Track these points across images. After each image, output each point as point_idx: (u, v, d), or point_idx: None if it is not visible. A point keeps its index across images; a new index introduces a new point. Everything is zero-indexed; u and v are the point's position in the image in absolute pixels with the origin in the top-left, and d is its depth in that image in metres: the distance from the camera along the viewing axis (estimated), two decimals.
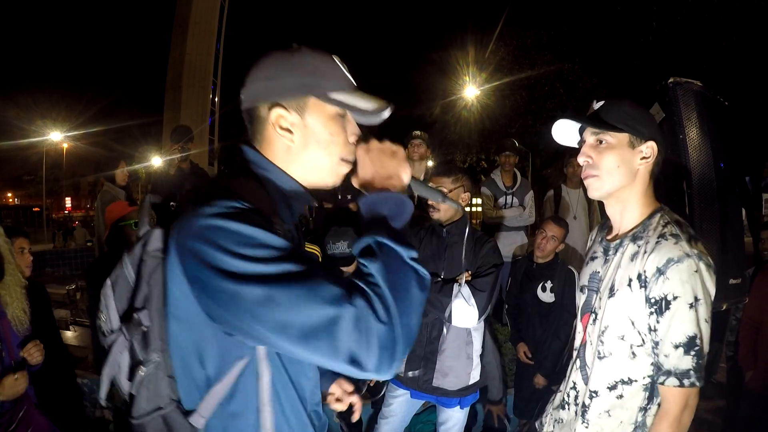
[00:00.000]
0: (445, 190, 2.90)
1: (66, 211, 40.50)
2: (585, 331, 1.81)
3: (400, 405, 3.08)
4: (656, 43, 12.00)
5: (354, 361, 0.94)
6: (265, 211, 1.08)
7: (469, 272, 2.89)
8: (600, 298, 1.74)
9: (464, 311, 2.78)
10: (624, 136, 1.66)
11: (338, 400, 1.70)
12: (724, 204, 2.29)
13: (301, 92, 1.18)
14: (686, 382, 1.54)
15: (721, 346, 4.42)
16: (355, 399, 1.72)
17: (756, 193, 15.44)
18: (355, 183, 1.25)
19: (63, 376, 3.54)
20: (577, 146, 1.80)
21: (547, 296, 3.81)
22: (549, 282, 3.82)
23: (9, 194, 46.98)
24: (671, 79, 2.36)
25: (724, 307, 2.32)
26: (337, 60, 1.23)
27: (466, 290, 2.80)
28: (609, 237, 1.82)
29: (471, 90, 18.82)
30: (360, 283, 1.00)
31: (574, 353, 1.89)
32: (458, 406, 3.00)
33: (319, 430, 1.31)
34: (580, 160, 1.73)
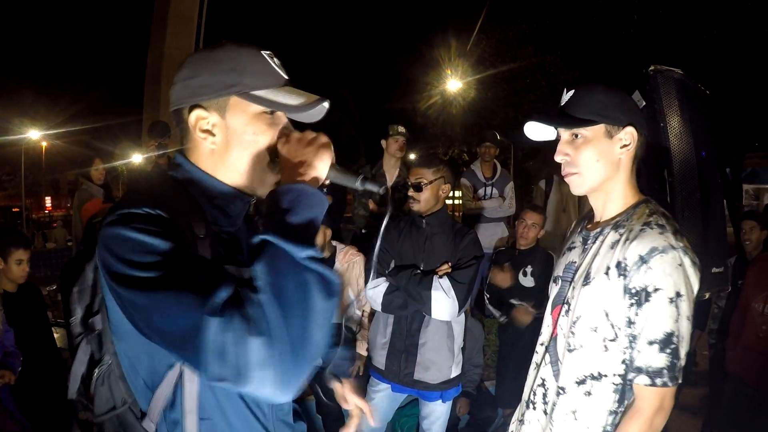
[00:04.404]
0: (425, 181, 2.88)
1: (46, 211, 39.97)
2: (556, 323, 1.72)
3: (382, 399, 3.05)
4: (637, 35, 12.07)
5: (223, 378, 0.88)
6: (181, 215, 1.04)
7: (449, 264, 2.87)
8: (573, 288, 1.66)
9: (443, 303, 2.76)
10: (599, 127, 1.58)
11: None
12: (706, 193, 2.28)
13: (221, 91, 1.11)
14: (658, 381, 1.46)
15: (702, 334, 4.47)
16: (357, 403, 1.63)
17: (736, 183, 15.66)
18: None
19: (53, 378, 3.51)
20: (554, 139, 1.71)
21: (528, 281, 3.89)
22: (529, 267, 3.90)
23: None
24: (652, 67, 2.34)
25: (707, 296, 2.31)
26: (264, 54, 1.15)
27: (445, 282, 2.77)
28: (589, 226, 1.74)
29: (453, 83, 18.83)
30: (241, 290, 0.92)
31: (541, 348, 1.79)
32: (440, 400, 2.98)
33: None
34: (558, 158, 1.65)
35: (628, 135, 1.59)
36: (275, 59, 1.17)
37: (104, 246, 0.98)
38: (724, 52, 11.13)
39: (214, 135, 1.13)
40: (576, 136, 1.62)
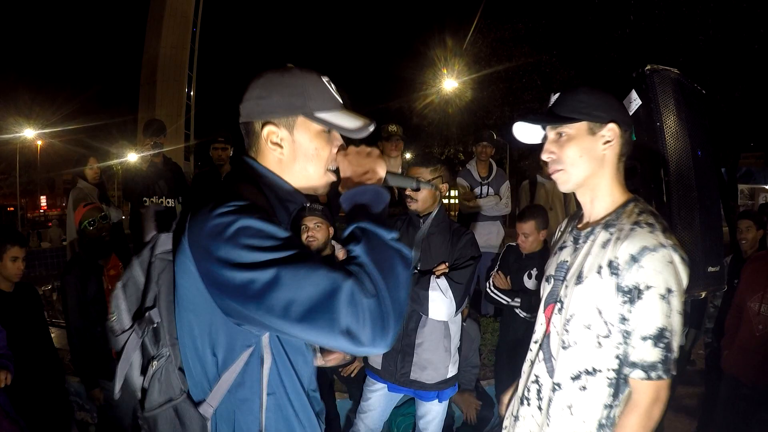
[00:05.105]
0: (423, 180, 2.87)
1: (41, 210, 39.84)
2: (549, 322, 1.77)
3: (379, 399, 3.05)
4: (633, 35, 12.07)
5: (350, 334, 1.02)
6: (266, 209, 1.21)
7: (447, 264, 2.86)
8: (566, 287, 1.71)
9: (441, 304, 2.75)
10: (582, 125, 1.66)
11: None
12: (702, 192, 2.28)
13: (290, 111, 1.31)
14: (653, 374, 1.52)
15: (699, 332, 4.47)
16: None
17: (731, 183, 15.70)
18: (341, 189, 1.36)
19: (51, 378, 3.50)
20: (542, 142, 1.79)
21: (531, 283, 3.84)
22: (534, 270, 3.85)
23: None
24: (648, 66, 2.34)
25: (703, 295, 2.30)
26: (325, 80, 1.35)
27: (443, 282, 2.77)
28: (580, 226, 1.80)
29: (449, 82, 18.85)
30: (348, 265, 1.10)
31: (535, 346, 1.86)
32: (436, 400, 2.97)
33: (319, 414, 1.42)
34: (544, 156, 1.74)
35: (611, 131, 1.65)
36: (332, 84, 1.38)
37: (213, 235, 1.10)
38: (720, 52, 11.14)
39: (282, 147, 1.33)
40: (561, 135, 1.69)
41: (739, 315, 3.54)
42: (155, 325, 1.27)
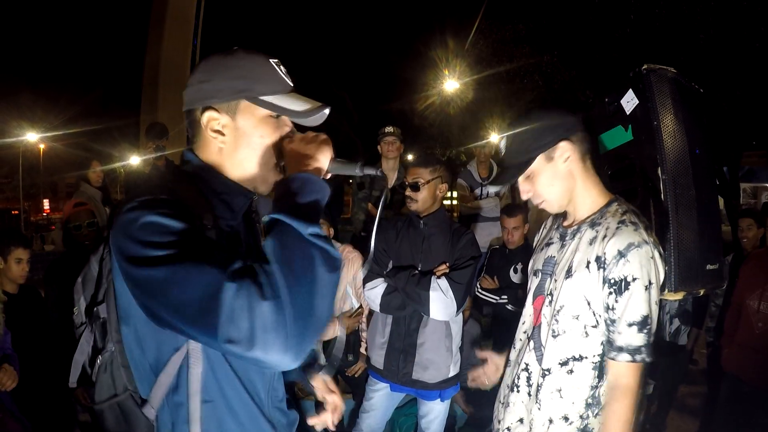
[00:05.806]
0: (423, 181, 2.88)
1: (44, 213, 39.86)
2: (539, 313, 1.89)
3: (381, 399, 3.06)
4: (634, 35, 12.07)
5: (235, 342, 0.92)
6: (192, 206, 1.11)
7: (447, 264, 2.87)
8: (555, 281, 1.83)
9: (442, 304, 2.77)
10: (539, 159, 1.79)
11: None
12: (700, 190, 2.29)
13: (232, 95, 1.21)
14: (638, 357, 1.64)
15: (700, 332, 4.48)
16: (335, 399, 1.64)
17: (733, 182, 15.67)
18: None
19: (54, 380, 3.52)
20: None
21: (517, 277, 4.00)
22: (520, 264, 4.02)
23: None
24: (645, 66, 2.35)
25: (702, 293, 2.31)
26: (272, 62, 1.25)
27: (444, 283, 2.78)
28: (566, 224, 1.92)
29: (450, 83, 18.82)
30: (253, 263, 0.99)
31: (523, 336, 1.97)
32: (438, 399, 2.99)
33: (283, 428, 1.34)
34: (524, 196, 1.89)
35: (563, 149, 1.78)
36: (282, 67, 1.26)
37: (122, 231, 1.03)
38: (721, 51, 11.13)
39: (224, 135, 1.22)
40: (527, 175, 1.83)
41: (738, 313, 3.54)
42: (102, 320, 1.24)
